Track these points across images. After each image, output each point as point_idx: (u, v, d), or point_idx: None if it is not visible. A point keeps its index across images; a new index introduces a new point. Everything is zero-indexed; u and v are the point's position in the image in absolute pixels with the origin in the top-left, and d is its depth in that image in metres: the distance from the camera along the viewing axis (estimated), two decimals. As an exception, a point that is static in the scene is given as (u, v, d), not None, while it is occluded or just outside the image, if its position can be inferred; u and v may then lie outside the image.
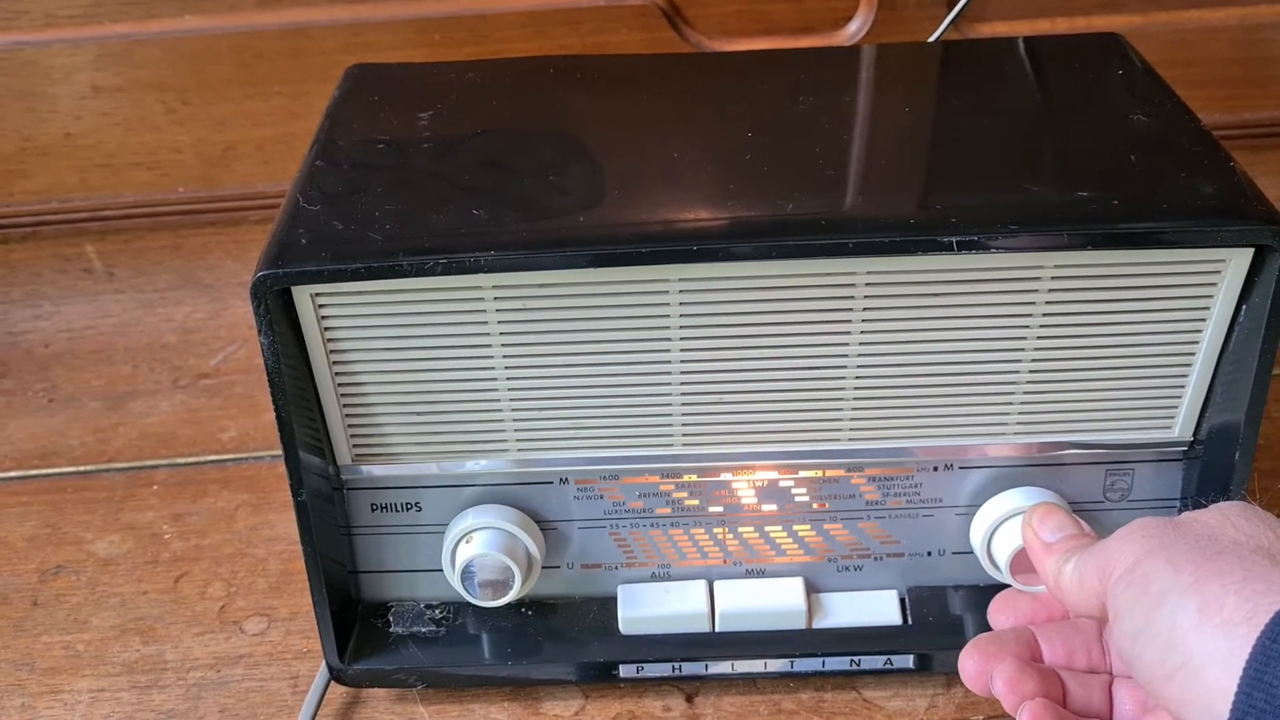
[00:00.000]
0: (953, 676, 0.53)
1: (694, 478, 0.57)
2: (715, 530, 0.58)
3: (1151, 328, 0.52)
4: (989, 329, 0.52)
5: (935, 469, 0.57)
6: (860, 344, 0.52)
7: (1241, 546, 0.42)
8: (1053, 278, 0.51)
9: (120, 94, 0.82)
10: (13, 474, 0.77)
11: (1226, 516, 0.44)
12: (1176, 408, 0.55)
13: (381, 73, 0.65)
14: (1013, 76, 0.62)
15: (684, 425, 0.55)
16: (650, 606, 0.59)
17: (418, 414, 0.54)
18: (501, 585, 0.56)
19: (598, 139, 0.57)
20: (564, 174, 0.54)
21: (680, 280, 0.51)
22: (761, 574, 0.60)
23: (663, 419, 0.55)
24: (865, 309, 0.51)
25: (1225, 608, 0.39)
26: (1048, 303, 0.51)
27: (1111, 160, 0.53)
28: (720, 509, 0.58)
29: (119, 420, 0.80)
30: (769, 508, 0.58)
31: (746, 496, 0.57)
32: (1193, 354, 0.53)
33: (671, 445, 0.55)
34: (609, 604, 0.60)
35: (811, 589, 0.60)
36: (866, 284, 0.51)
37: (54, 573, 0.69)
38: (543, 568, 0.58)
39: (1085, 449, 0.56)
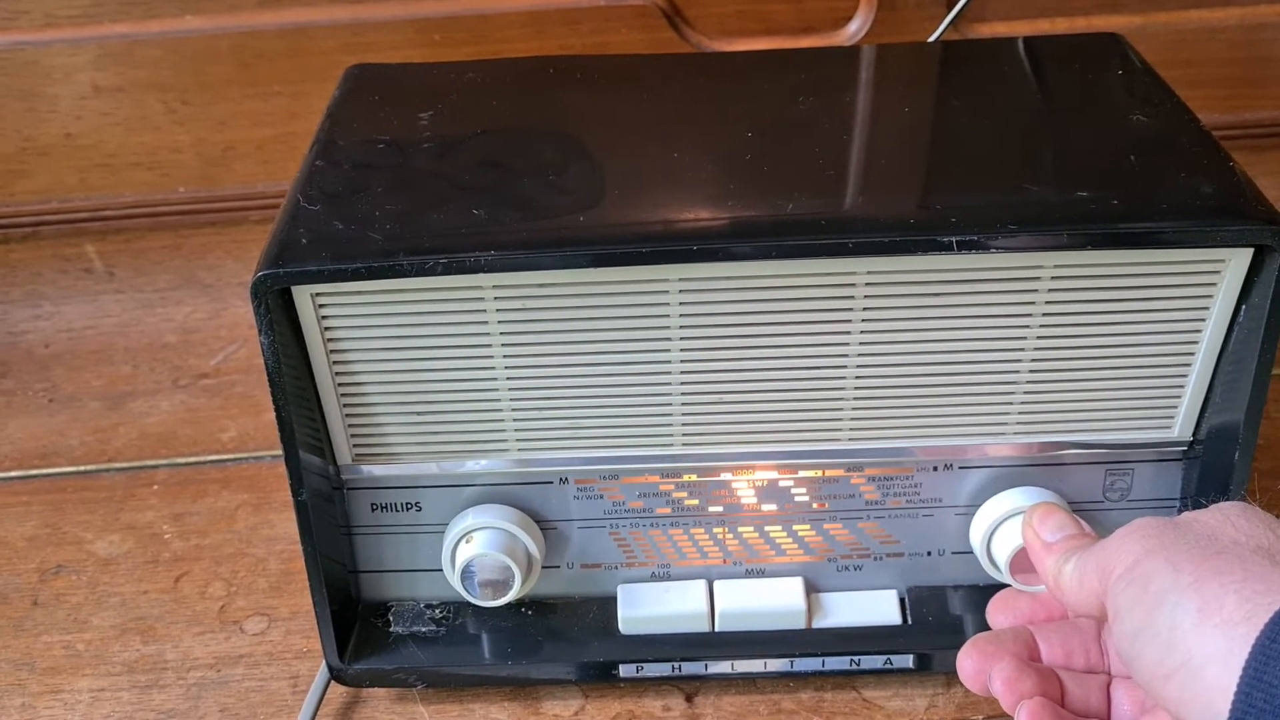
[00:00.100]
0: (952, 676, 0.53)
1: (694, 477, 0.57)
2: (715, 530, 0.59)
3: (1151, 327, 0.52)
4: (989, 329, 0.52)
5: (935, 469, 0.57)
6: (860, 344, 0.52)
7: (1241, 546, 0.42)
8: (1052, 277, 0.51)
9: (120, 94, 0.82)
10: (13, 474, 0.77)
11: (1226, 516, 0.44)
12: (1176, 408, 0.55)
13: (381, 73, 0.65)
14: (1012, 77, 0.62)
15: (684, 425, 0.55)
16: (650, 606, 0.59)
17: (418, 414, 0.54)
18: (501, 585, 0.56)
19: (598, 139, 0.57)
20: (564, 174, 0.54)
21: (680, 280, 0.51)
22: (761, 574, 0.60)
23: (663, 419, 0.55)
24: (865, 309, 0.51)
25: (1225, 607, 0.39)
26: (1047, 302, 0.51)
27: (1111, 160, 0.53)
28: (720, 509, 0.58)
29: (119, 420, 0.80)
30: (769, 507, 0.58)
31: (746, 496, 0.58)
32: (1192, 354, 0.53)
33: (671, 445, 0.56)
34: (609, 604, 0.60)
35: (811, 589, 0.60)
36: (866, 284, 0.51)
37: (54, 572, 0.69)
38: (543, 567, 0.58)
39: (1085, 449, 0.56)
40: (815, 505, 0.58)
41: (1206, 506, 0.45)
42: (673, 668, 0.59)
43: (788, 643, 0.59)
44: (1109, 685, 0.50)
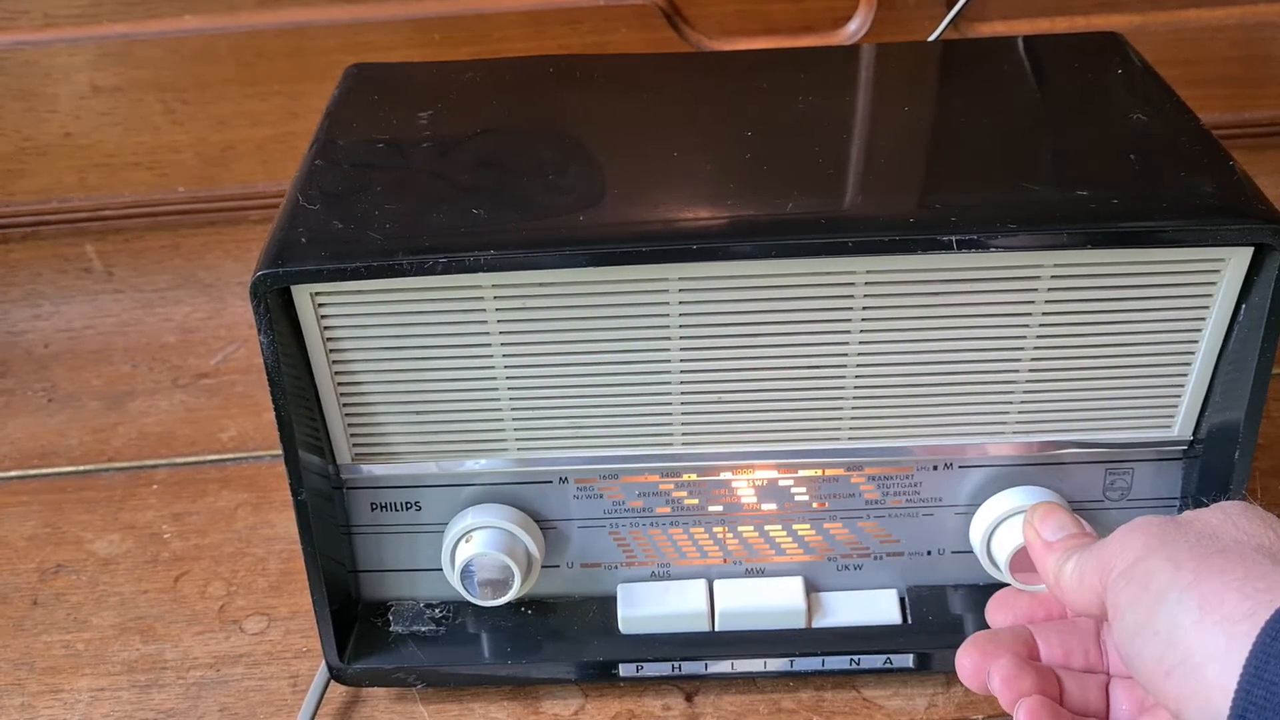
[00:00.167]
0: (952, 675, 0.53)
1: (693, 477, 0.57)
2: (715, 529, 0.58)
3: (1151, 327, 0.52)
4: (989, 328, 0.52)
5: (935, 468, 0.57)
6: (860, 343, 0.52)
7: (1242, 545, 0.42)
8: (1052, 277, 0.51)
9: (120, 94, 0.82)
10: (12, 474, 0.77)
11: (1228, 515, 0.44)
12: (1176, 407, 0.55)
13: (381, 72, 0.65)
14: (1012, 76, 0.62)
15: (683, 424, 0.55)
16: (650, 606, 0.59)
17: (417, 413, 0.54)
18: (501, 584, 0.56)
19: (597, 138, 0.57)
20: (563, 173, 0.54)
21: (680, 279, 0.51)
22: (761, 573, 0.60)
23: (662, 418, 0.55)
24: (865, 308, 0.51)
25: (1226, 604, 0.39)
26: (1047, 302, 0.51)
27: (1111, 159, 0.53)
28: (720, 508, 0.58)
29: (119, 420, 0.80)
30: (769, 507, 0.58)
31: (746, 496, 0.57)
32: (1192, 353, 0.53)
33: (671, 444, 0.55)
34: (609, 603, 0.60)
35: (811, 588, 0.60)
36: (866, 283, 0.51)
37: (54, 572, 0.69)
38: (542, 567, 0.58)
39: (1085, 448, 0.56)
40: (815, 505, 0.58)
41: (1207, 505, 0.45)
42: (672, 667, 0.59)
43: (788, 642, 0.59)
44: (1108, 685, 0.50)
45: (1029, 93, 0.61)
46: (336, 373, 0.53)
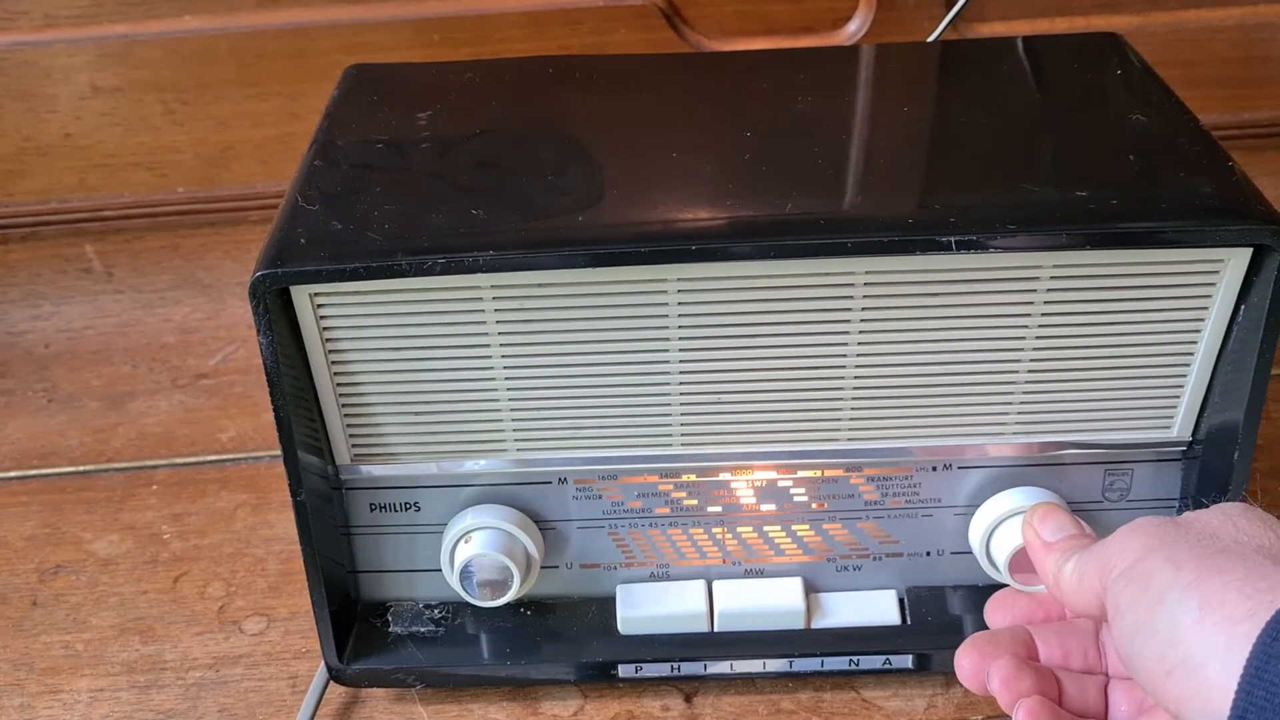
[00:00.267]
0: (951, 676, 0.53)
1: (693, 477, 0.57)
2: (714, 530, 0.58)
3: (1150, 327, 0.52)
4: (988, 329, 0.52)
5: (934, 469, 0.57)
6: (859, 344, 0.52)
7: (1243, 546, 0.42)
8: (1051, 277, 0.51)
9: (119, 94, 0.82)
10: (12, 474, 0.77)
11: (1228, 516, 0.44)
12: (1175, 408, 0.55)
13: (380, 73, 0.65)
14: (1012, 76, 0.62)
15: (683, 425, 0.55)
16: (649, 606, 0.59)
17: (416, 414, 0.54)
18: (500, 585, 0.56)
19: (597, 139, 0.57)
20: (563, 174, 0.54)
21: (679, 280, 0.51)
22: (760, 574, 0.60)
23: (661, 419, 0.55)
24: (864, 309, 0.51)
25: (1226, 605, 0.39)
26: (1046, 302, 0.51)
27: (1110, 160, 0.53)
28: (719, 509, 0.58)
29: (118, 420, 0.80)
30: (768, 508, 0.58)
31: (745, 496, 0.57)
32: (1191, 354, 0.53)
33: (670, 445, 0.55)
34: (608, 604, 0.60)
35: (810, 589, 0.60)
36: (865, 284, 0.51)
37: (53, 572, 0.69)
38: (541, 568, 0.58)
39: (1084, 449, 0.56)
40: (814, 505, 0.58)
41: (1207, 506, 0.45)
42: (671, 668, 0.59)
43: (787, 643, 0.59)
44: (1106, 686, 0.50)
45: (1028, 93, 0.61)
46: (336, 373, 0.53)
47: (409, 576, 0.60)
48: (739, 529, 0.58)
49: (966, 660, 0.50)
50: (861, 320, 0.52)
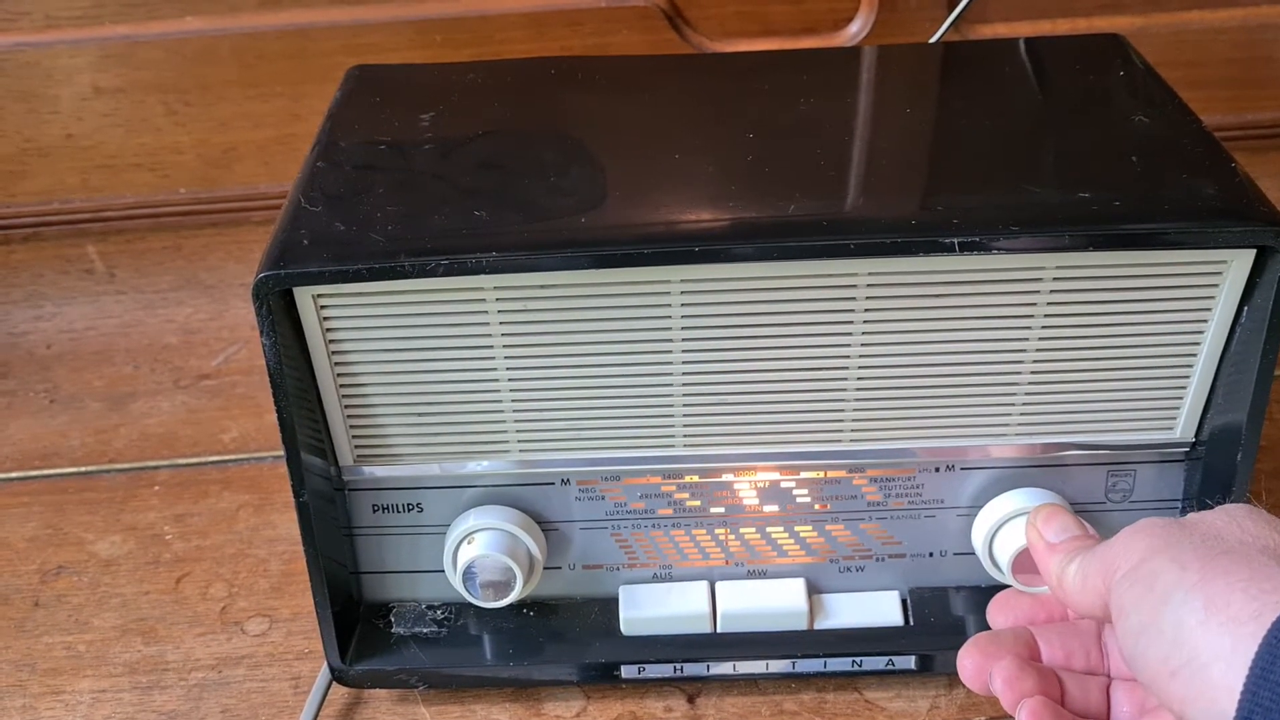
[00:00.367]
0: (954, 677, 0.53)
1: (695, 478, 0.57)
2: (717, 531, 0.58)
3: (1153, 329, 0.52)
4: (991, 330, 0.52)
5: (937, 470, 0.57)
6: (862, 345, 0.52)
7: (1248, 547, 0.42)
8: (1054, 279, 0.51)
9: (121, 95, 0.82)
10: (14, 474, 0.77)
11: (1233, 518, 0.44)
12: (1178, 409, 0.55)
13: (382, 74, 0.65)
14: (1014, 77, 0.62)
15: (686, 426, 0.55)
16: (652, 607, 0.59)
17: (419, 415, 0.54)
18: (503, 586, 0.56)
19: (599, 140, 0.57)
20: (565, 175, 0.54)
21: (682, 281, 0.51)
22: (763, 575, 0.60)
23: (664, 420, 0.55)
24: (867, 310, 0.51)
25: (1232, 605, 0.39)
26: (1049, 304, 0.51)
27: (1113, 161, 0.53)
28: (722, 510, 0.58)
29: (120, 421, 0.80)
30: (770, 508, 0.58)
31: (748, 497, 0.57)
32: (1194, 355, 0.53)
33: (673, 446, 0.55)
34: (610, 605, 0.60)
35: (813, 590, 0.60)
36: (868, 285, 0.51)
37: (55, 573, 0.69)
38: (544, 568, 0.58)
39: (1087, 450, 0.56)
40: (817, 506, 0.58)
41: (1210, 508, 0.45)
42: (674, 669, 0.59)
43: (789, 644, 0.59)
44: (1108, 687, 0.50)
45: (1030, 94, 0.61)
46: (338, 374, 0.53)
47: (411, 577, 0.60)
48: (742, 530, 0.58)
49: (969, 660, 0.50)
50: (864, 321, 0.52)
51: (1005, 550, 0.55)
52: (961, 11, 0.74)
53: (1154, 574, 0.42)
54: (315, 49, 0.81)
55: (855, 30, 0.82)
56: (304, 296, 0.51)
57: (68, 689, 0.63)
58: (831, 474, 0.57)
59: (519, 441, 0.55)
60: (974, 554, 0.58)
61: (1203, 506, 0.46)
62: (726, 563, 0.59)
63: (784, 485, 0.57)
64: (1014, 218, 0.49)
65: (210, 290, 0.88)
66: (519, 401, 0.54)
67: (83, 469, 0.77)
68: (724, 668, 0.59)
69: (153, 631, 0.65)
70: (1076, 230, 0.49)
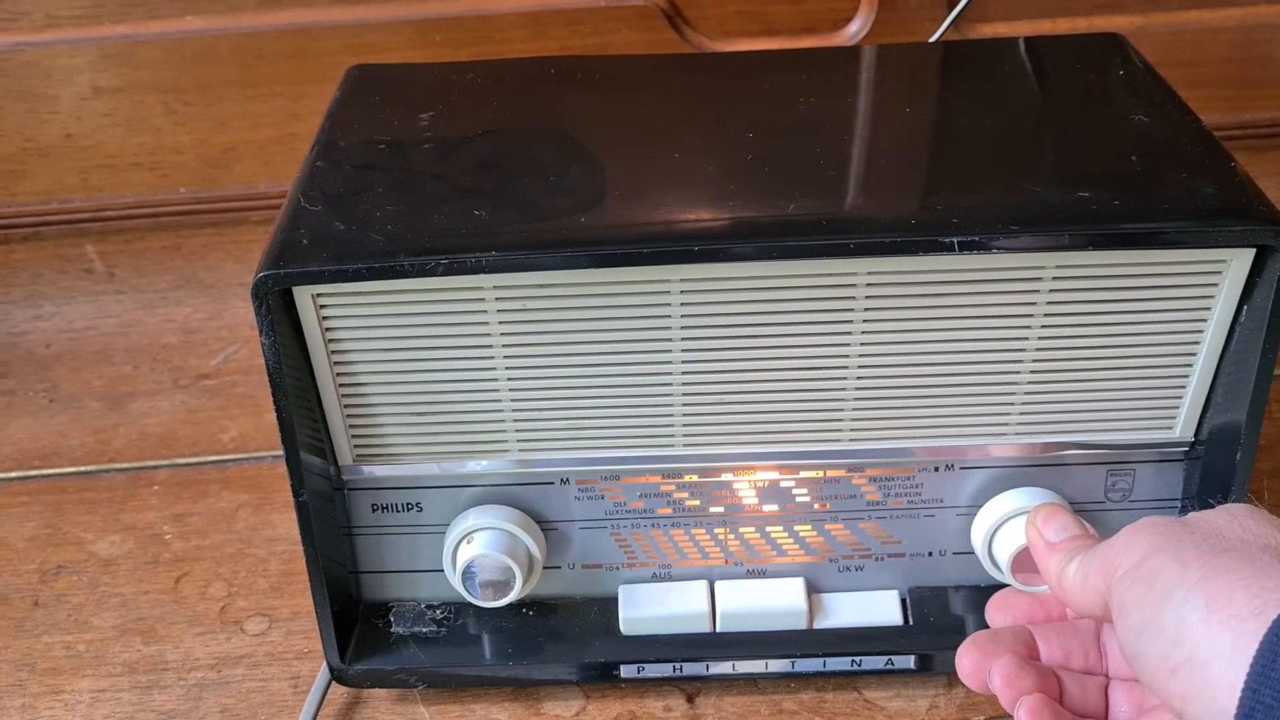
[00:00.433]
0: (954, 677, 0.53)
1: (695, 478, 0.57)
2: (716, 530, 0.58)
3: (1153, 328, 0.52)
4: (990, 329, 0.52)
5: (936, 469, 0.57)
6: (861, 344, 0.52)
7: (1249, 545, 0.42)
8: (1054, 278, 0.51)
9: (121, 95, 0.82)
10: (13, 474, 0.77)
11: (1234, 517, 0.44)
12: (1178, 408, 0.55)
13: (382, 74, 0.65)
14: (1013, 77, 0.62)
15: (685, 425, 0.55)
16: (651, 607, 0.59)
17: (419, 414, 0.54)
18: (502, 586, 0.56)
19: (598, 140, 0.57)
20: (565, 175, 0.54)
21: (681, 281, 0.51)
22: (762, 574, 0.60)
23: (664, 419, 0.55)
24: (866, 309, 0.51)
25: (1233, 603, 0.39)
26: (1049, 303, 0.51)
27: (1112, 160, 0.53)
28: (721, 509, 0.58)
29: (120, 420, 0.80)
30: (770, 508, 0.58)
31: (747, 497, 0.57)
32: (1194, 354, 0.53)
33: (672, 445, 0.55)
34: (610, 604, 0.60)
35: (812, 589, 0.60)
36: (867, 284, 0.51)
37: (55, 573, 0.69)
38: (544, 568, 0.58)
39: (1086, 449, 0.56)
40: (816, 506, 0.58)
41: (1211, 507, 0.45)
42: (674, 668, 0.59)
43: (789, 643, 0.59)
44: (1106, 687, 0.50)
45: (1030, 94, 0.61)
46: (338, 374, 0.53)
47: (411, 577, 0.60)
48: (741, 529, 0.58)
49: (968, 658, 0.50)
50: (864, 321, 0.52)
51: (1005, 549, 0.55)
52: (961, 11, 0.74)
53: (1155, 572, 0.42)
54: (315, 49, 0.81)
55: (855, 30, 0.82)
56: (303, 296, 0.51)
57: (67, 689, 0.63)
58: (831, 473, 0.57)
59: (518, 441, 0.55)
60: (973, 553, 0.58)
61: (1203, 506, 0.46)
62: (726, 562, 0.59)
63: (783, 485, 0.57)
64: (1013, 217, 0.49)
65: (210, 290, 0.88)
66: (518, 401, 0.54)
67: (82, 469, 0.77)
68: (723, 667, 0.59)
69: (152, 631, 0.65)
70: (1076, 229, 0.49)
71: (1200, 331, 0.52)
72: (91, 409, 0.82)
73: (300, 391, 0.53)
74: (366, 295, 0.51)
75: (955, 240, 0.48)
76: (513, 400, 0.54)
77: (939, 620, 0.59)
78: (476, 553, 0.56)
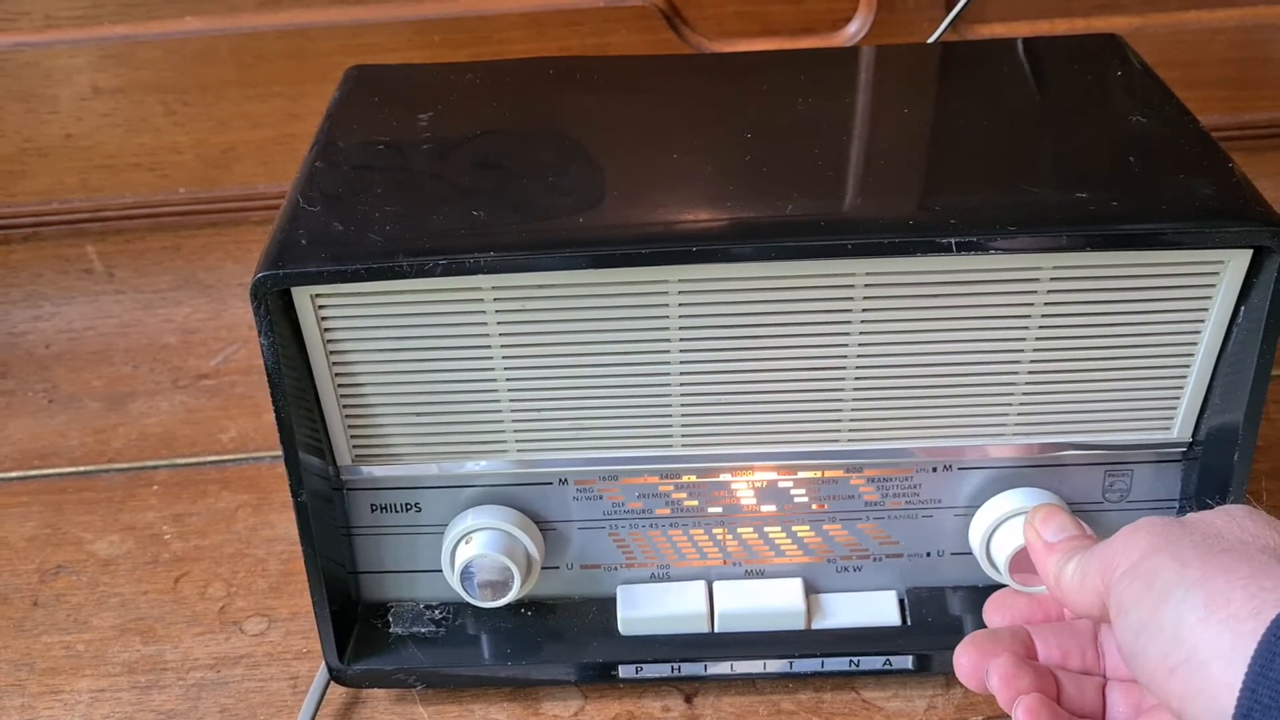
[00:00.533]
0: (952, 677, 0.53)
1: (693, 478, 0.57)
2: (714, 531, 0.59)
3: (1150, 329, 0.52)
4: (988, 330, 0.52)
5: (934, 470, 0.57)
6: (859, 345, 0.52)
7: (1248, 545, 0.42)
8: (1052, 279, 0.51)
9: (121, 95, 0.82)
10: (13, 474, 0.77)
11: (1232, 518, 0.44)
12: (1175, 409, 0.55)
13: (381, 74, 0.65)
14: (1012, 77, 0.62)
15: (683, 426, 0.55)
16: (649, 607, 0.59)
17: (417, 415, 0.54)
18: (501, 586, 0.56)
19: (597, 140, 0.57)
20: (563, 175, 0.54)
21: (680, 281, 0.51)
22: (760, 575, 0.60)
23: (662, 420, 0.55)
24: (864, 310, 0.51)
25: (1232, 603, 0.39)
26: (1047, 304, 0.51)
27: (1110, 161, 0.53)
28: (719, 509, 0.58)
29: (119, 421, 0.80)
30: (768, 508, 0.58)
31: (745, 497, 0.58)
32: (1191, 355, 0.53)
33: (671, 446, 0.56)
34: (608, 604, 0.60)
35: (810, 590, 0.60)
36: (866, 285, 0.51)
37: (54, 573, 0.70)
38: (542, 568, 0.58)
39: (1084, 450, 0.56)
40: (814, 506, 0.58)
41: (1209, 508, 0.45)
42: (672, 668, 0.59)
43: (787, 643, 0.59)
44: (1104, 687, 0.50)
45: (1028, 94, 0.61)
46: (336, 374, 0.53)
47: (410, 577, 0.60)
48: (739, 530, 0.58)
49: (965, 658, 0.50)
50: (862, 321, 0.52)
51: (1002, 550, 0.55)
52: (960, 11, 0.74)
53: (1154, 571, 0.42)
54: (314, 49, 0.81)
55: (854, 30, 0.82)
56: (302, 296, 0.51)
57: (66, 688, 0.63)
58: (829, 474, 0.57)
59: (517, 441, 0.55)
60: (971, 554, 0.58)
61: (1201, 506, 0.46)
62: (724, 563, 0.59)
63: (781, 485, 0.57)
64: (1011, 218, 0.49)
65: (209, 290, 0.88)
66: (517, 401, 0.54)
67: (81, 469, 0.77)
68: (721, 667, 0.59)
69: (151, 631, 0.66)
70: (1074, 230, 0.49)
71: (1198, 332, 0.52)
72: (91, 409, 0.82)
73: (299, 392, 0.53)
74: (365, 296, 0.51)
75: (953, 241, 0.48)
76: (511, 401, 0.54)
77: (937, 621, 0.59)
78: (475, 553, 0.56)
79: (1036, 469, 0.56)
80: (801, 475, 0.57)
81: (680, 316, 0.52)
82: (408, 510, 0.57)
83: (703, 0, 0.81)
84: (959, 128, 0.57)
